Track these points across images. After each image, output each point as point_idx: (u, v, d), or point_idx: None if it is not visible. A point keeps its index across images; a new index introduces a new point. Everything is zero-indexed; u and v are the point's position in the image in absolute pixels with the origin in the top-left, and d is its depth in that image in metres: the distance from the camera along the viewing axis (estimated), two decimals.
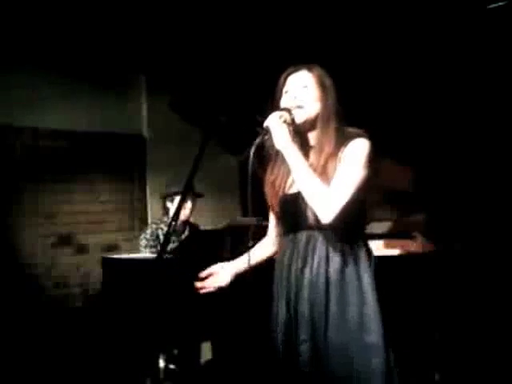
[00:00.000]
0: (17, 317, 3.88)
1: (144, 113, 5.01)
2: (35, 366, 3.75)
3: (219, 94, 4.58)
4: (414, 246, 3.24)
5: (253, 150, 1.76)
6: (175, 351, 3.78)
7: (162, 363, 3.69)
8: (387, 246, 3.28)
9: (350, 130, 1.85)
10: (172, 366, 3.80)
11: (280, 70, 1.94)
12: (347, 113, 1.87)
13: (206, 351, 3.77)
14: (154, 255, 3.52)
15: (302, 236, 1.82)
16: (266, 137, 1.78)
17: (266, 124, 1.78)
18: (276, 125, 1.76)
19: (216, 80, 4.55)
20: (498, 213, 3.85)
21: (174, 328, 2.91)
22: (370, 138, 1.81)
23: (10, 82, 4.07)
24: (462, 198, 3.93)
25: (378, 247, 3.18)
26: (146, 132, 5.01)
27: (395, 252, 3.10)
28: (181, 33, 4.13)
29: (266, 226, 2.10)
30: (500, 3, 3.42)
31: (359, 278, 1.76)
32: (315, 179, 1.72)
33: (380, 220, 3.41)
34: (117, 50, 4.40)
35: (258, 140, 1.78)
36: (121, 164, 4.80)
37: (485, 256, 3.47)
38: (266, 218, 2.08)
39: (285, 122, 1.77)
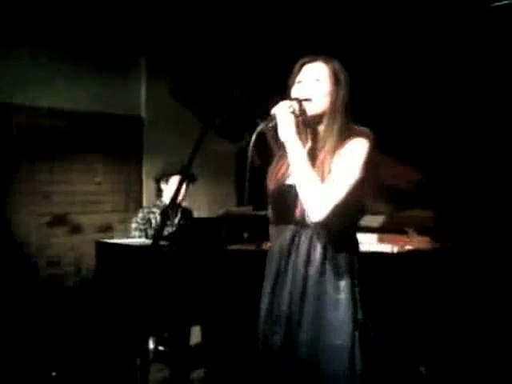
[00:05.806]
0: (10, 295, 3.89)
1: (143, 94, 4.98)
2: (28, 344, 3.78)
3: (221, 78, 4.55)
4: (407, 241, 3.27)
5: (254, 136, 1.69)
6: (165, 334, 3.83)
7: (151, 345, 3.74)
8: (381, 240, 3.31)
9: (356, 127, 1.79)
10: (161, 348, 3.86)
11: (285, 60, 1.88)
12: (355, 108, 1.81)
13: (196, 335, 3.82)
14: (147, 240, 3.53)
15: (288, 231, 1.79)
16: (271, 124, 1.71)
17: (273, 111, 1.72)
18: (284, 114, 1.70)
19: (218, 63, 4.52)
20: (500, 212, 3.89)
21: (165, 311, 2.94)
22: (375, 136, 1.76)
23: (9, 60, 4.02)
24: (464, 197, 3.95)
25: (371, 241, 3.21)
26: (144, 113, 4.98)
27: (388, 247, 3.13)
28: (182, 13, 4.09)
29: (262, 216, 2.10)
30: (504, 2, 3.42)
31: (338, 279, 1.72)
32: (312, 176, 1.69)
33: (374, 213, 3.43)
34: (117, 31, 4.35)
35: (261, 126, 1.71)
36: (118, 145, 4.77)
37: (481, 253, 3.51)
38: (262, 208, 2.07)
39: (293, 112, 1.72)
